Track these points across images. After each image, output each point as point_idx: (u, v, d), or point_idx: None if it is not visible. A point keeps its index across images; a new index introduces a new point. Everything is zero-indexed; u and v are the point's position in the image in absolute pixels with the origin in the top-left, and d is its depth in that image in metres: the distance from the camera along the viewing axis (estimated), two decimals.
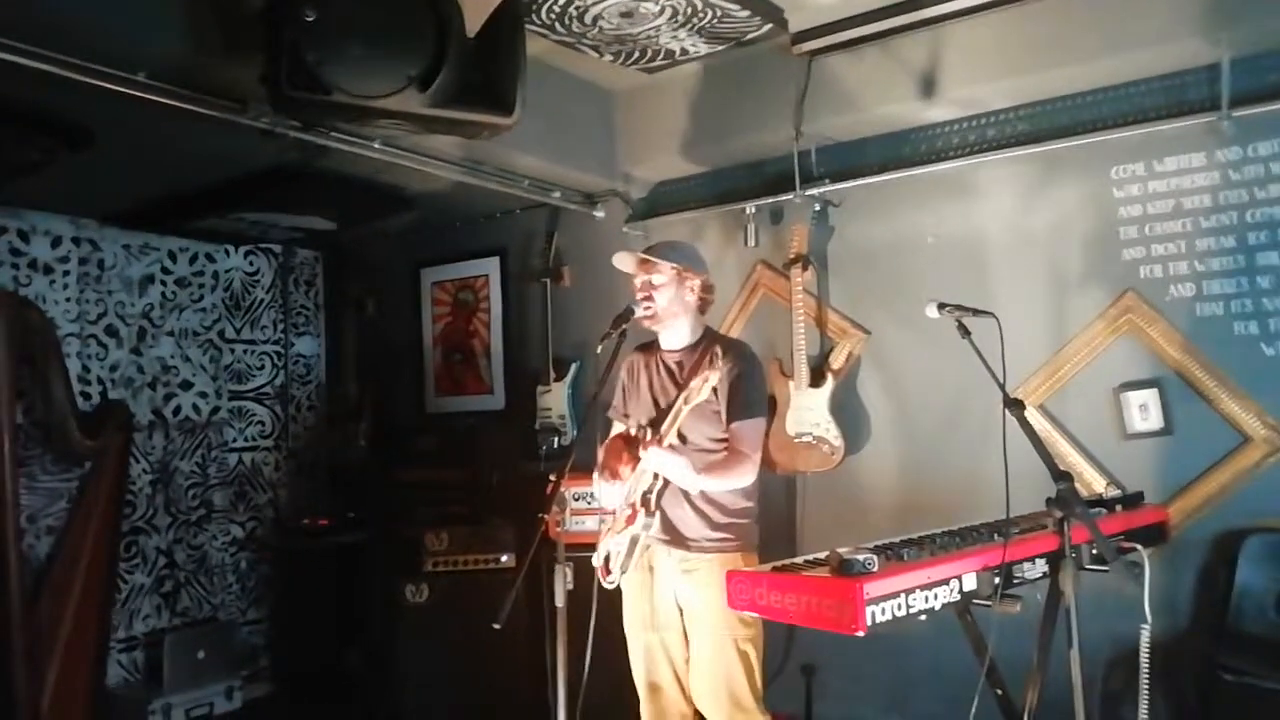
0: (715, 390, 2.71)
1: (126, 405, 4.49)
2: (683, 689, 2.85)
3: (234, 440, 5.14)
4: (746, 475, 2.73)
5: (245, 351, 5.24)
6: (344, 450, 5.28)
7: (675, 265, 2.81)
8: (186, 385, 4.93)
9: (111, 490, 4.24)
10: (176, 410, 4.87)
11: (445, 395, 5.27)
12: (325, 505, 5.22)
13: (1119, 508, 2.63)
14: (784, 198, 4.04)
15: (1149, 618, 2.21)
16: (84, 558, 4.08)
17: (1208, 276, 3.32)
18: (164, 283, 4.85)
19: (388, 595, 3.90)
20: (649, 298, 2.80)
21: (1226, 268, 3.29)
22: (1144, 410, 3.40)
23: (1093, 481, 3.39)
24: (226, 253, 5.16)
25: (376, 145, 3.56)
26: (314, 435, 5.51)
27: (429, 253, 5.36)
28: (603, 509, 2.89)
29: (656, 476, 2.67)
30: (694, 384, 2.51)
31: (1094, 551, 2.27)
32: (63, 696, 3.85)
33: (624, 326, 2.77)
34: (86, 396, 4.44)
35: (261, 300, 5.33)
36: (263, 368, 5.31)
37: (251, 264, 5.29)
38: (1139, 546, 2.26)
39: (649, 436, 2.70)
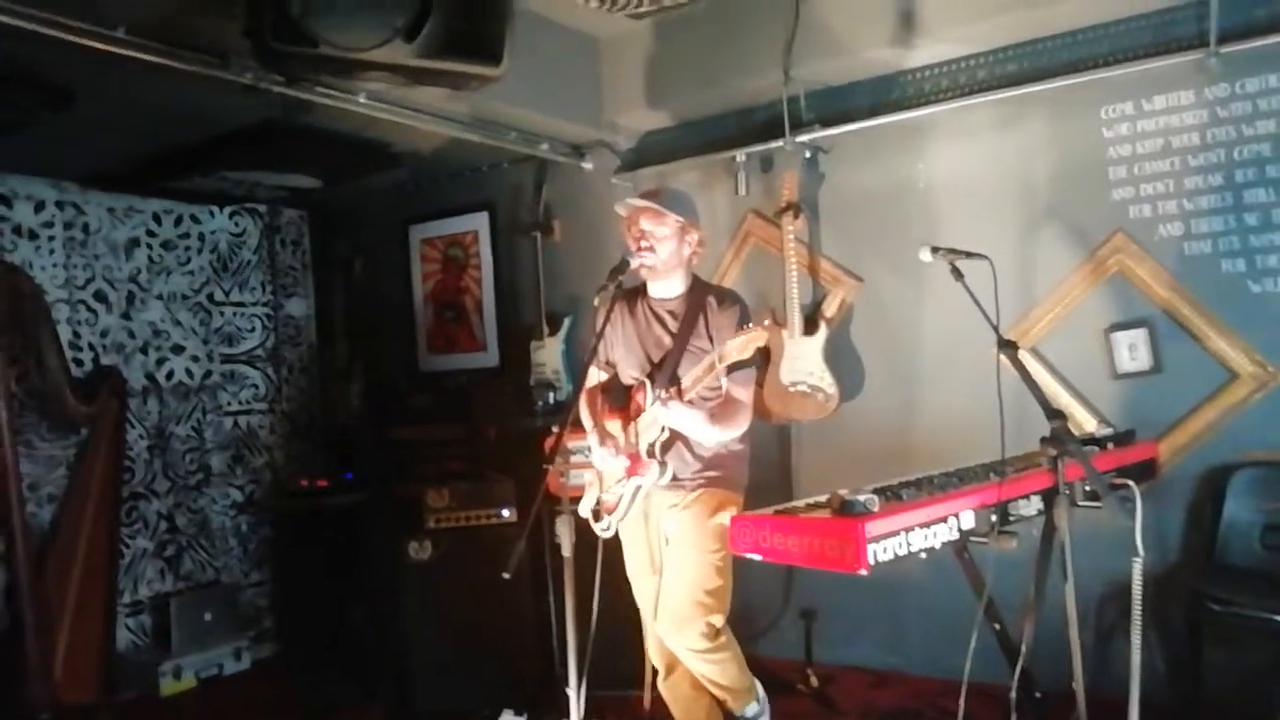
0: (713, 340, 2.73)
1: (120, 371, 4.47)
2: None
3: (228, 404, 5.14)
4: (744, 421, 2.79)
5: (235, 314, 5.21)
6: (337, 411, 5.30)
7: (680, 219, 2.80)
8: (178, 349, 4.91)
9: (110, 456, 4.24)
10: (169, 375, 4.86)
11: (438, 353, 5.27)
12: (322, 467, 5.25)
13: (1111, 445, 2.68)
14: (774, 145, 4.02)
15: (1141, 551, 2.25)
16: (86, 524, 4.10)
17: (1196, 215, 3.34)
18: (150, 246, 4.80)
19: (390, 553, 3.92)
20: (650, 249, 2.77)
21: (1214, 206, 3.31)
22: (1133, 350, 3.45)
23: (1084, 421, 3.44)
24: (211, 214, 5.10)
25: (362, 99, 3.52)
26: (308, 397, 5.52)
27: (417, 209, 5.32)
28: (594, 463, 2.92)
29: (664, 429, 2.70)
30: (732, 346, 2.50)
31: (1087, 488, 2.32)
32: (75, 661, 3.89)
33: (620, 278, 2.76)
34: (79, 363, 4.41)
35: (249, 261, 5.29)
36: (253, 330, 5.29)
37: (237, 225, 5.24)
38: (1131, 483, 2.29)
39: (658, 390, 2.71)
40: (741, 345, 2.50)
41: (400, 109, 3.71)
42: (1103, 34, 3.44)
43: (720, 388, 2.78)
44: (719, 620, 2.81)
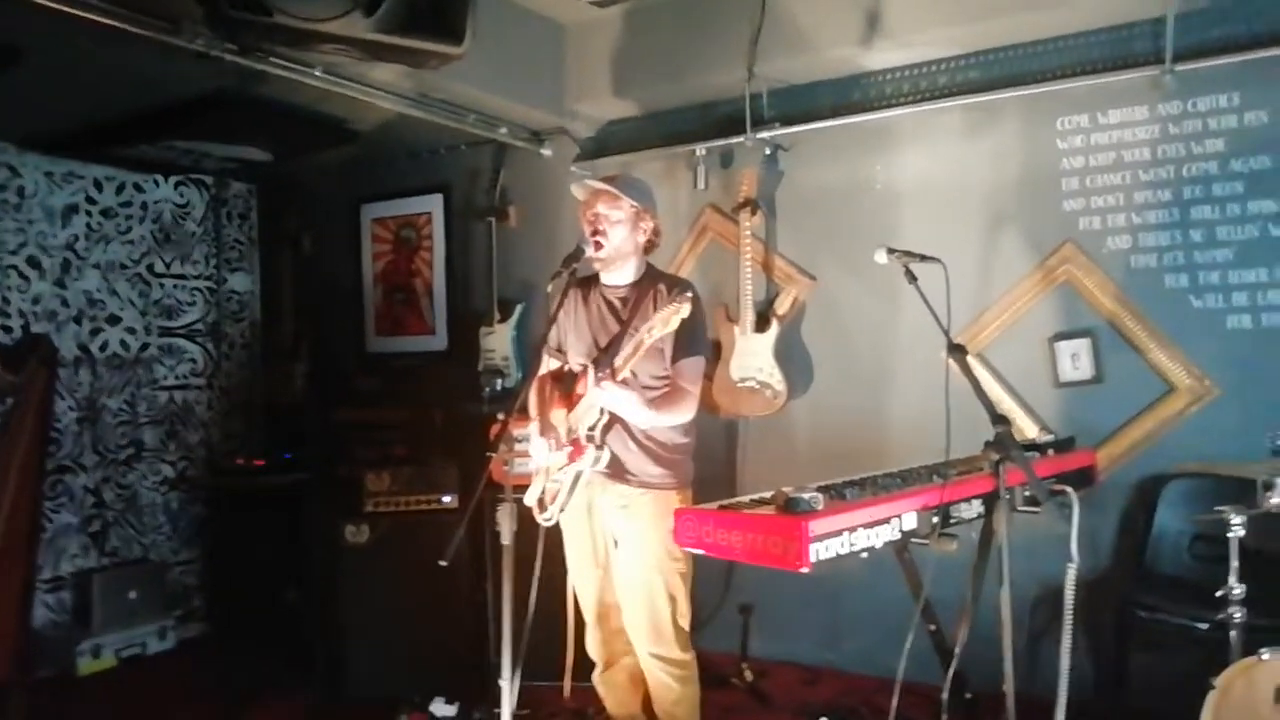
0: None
1: (50, 339, 4.29)
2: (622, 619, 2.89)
3: (164, 378, 4.99)
4: (688, 411, 2.76)
5: (176, 286, 5.07)
6: (280, 390, 5.18)
7: (635, 204, 2.77)
8: (114, 320, 4.76)
9: (35, 427, 4.05)
10: (104, 346, 4.71)
11: (386, 335, 5.18)
12: (260, 445, 5.14)
13: (1051, 452, 2.71)
14: (735, 140, 4.01)
15: (1076, 557, 2.29)
16: (6, 496, 3.94)
17: (1143, 229, 3.41)
18: (89, 213, 4.64)
19: (327, 536, 3.85)
20: (602, 233, 2.74)
21: (1161, 221, 3.38)
22: (1075, 359, 3.51)
23: (1025, 428, 3.49)
24: (156, 183, 4.95)
25: (318, 73, 3.43)
26: (248, 374, 5.39)
27: (369, 188, 5.22)
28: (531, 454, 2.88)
29: (602, 413, 2.66)
30: (658, 318, 2.47)
31: (1027, 494, 2.35)
32: None
33: (574, 266, 2.73)
34: (7, 330, 4.26)
35: (193, 233, 5.15)
36: (194, 303, 5.15)
37: (182, 195, 5.09)
38: (1069, 489, 2.32)
39: (598, 372, 2.68)
40: (665, 317, 2.46)
41: (357, 85, 3.63)
42: (1062, 46, 3.49)
43: (667, 376, 2.75)
44: (686, 622, 2.83)
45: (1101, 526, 3.43)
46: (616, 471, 2.74)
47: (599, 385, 2.58)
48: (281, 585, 4.41)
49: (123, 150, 4.41)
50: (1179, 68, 3.20)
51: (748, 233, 3.96)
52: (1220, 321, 3.27)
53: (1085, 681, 3.27)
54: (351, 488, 3.87)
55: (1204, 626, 2.73)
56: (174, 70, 3.29)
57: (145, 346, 4.90)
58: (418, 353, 5.02)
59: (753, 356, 3.93)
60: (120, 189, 4.79)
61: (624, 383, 2.62)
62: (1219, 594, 2.47)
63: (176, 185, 5.05)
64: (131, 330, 4.84)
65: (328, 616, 3.88)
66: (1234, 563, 2.47)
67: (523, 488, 2.78)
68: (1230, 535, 2.46)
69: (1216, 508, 2.49)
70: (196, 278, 5.17)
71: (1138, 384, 3.39)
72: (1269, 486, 2.38)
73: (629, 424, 2.73)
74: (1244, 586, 2.45)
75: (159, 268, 4.97)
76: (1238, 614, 2.45)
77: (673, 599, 2.79)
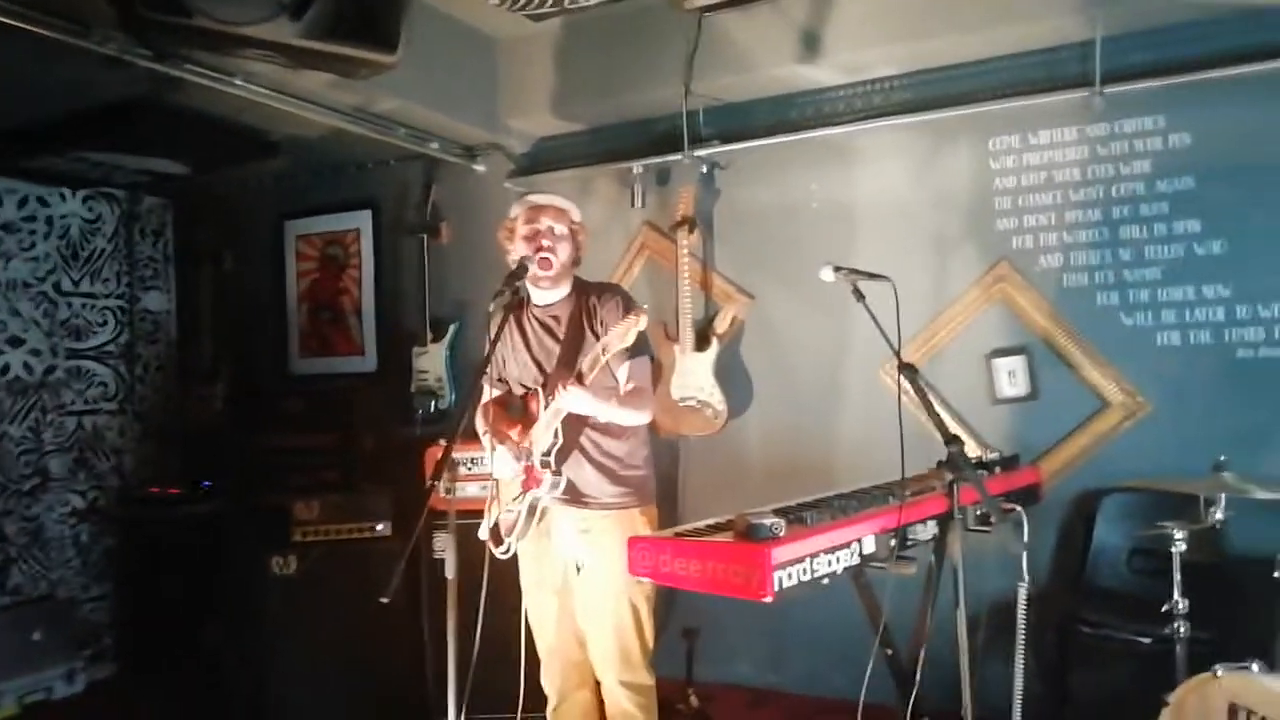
0: (599, 336, 2.63)
1: None
2: (583, 650, 2.79)
3: (72, 402, 4.71)
4: (648, 409, 2.74)
5: (84, 306, 4.80)
6: (198, 414, 4.94)
7: (576, 219, 2.71)
8: (16, 341, 4.48)
9: None
10: (5, 369, 4.42)
11: (311, 356, 4.99)
12: (177, 473, 4.88)
13: (998, 470, 2.72)
14: (672, 158, 3.98)
15: (1026, 576, 2.29)
16: None
17: (1075, 248, 3.47)
18: None
19: (251, 568, 3.66)
20: (550, 250, 2.65)
21: (1092, 240, 3.45)
22: (1012, 376, 3.55)
23: (966, 445, 3.50)
24: (62, 197, 4.69)
25: (239, 81, 3.29)
26: (164, 398, 5.13)
27: (294, 204, 5.03)
28: (487, 476, 2.77)
29: (557, 435, 2.57)
30: (614, 334, 2.41)
31: (978, 513, 2.33)
32: None
33: (517, 284, 2.63)
34: None
35: (103, 250, 4.88)
36: (105, 324, 4.89)
37: (91, 210, 4.83)
38: (1019, 507, 2.32)
39: (546, 394, 2.59)
40: (622, 333, 2.41)
41: (280, 94, 3.49)
42: (994, 68, 3.54)
43: (617, 387, 2.68)
44: (651, 645, 2.77)
45: (1039, 543, 3.44)
46: (574, 496, 2.66)
47: (564, 389, 2.48)
48: (200, 621, 4.18)
49: (25, 162, 4.16)
50: (1108, 90, 3.27)
51: (685, 251, 3.93)
52: (1150, 339, 3.34)
53: (1029, 698, 3.27)
54: (278, 517, 3.69)
55: (1147, 641, 2.75)
56: (83, 76, 3.11)
57: (51, 370, 4.62)
58: (346, 374, 4.84)
59: (693, 375, 3.89)
60: (23, 202, 4.51)
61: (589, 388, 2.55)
62: (1164, 609, 2.49)
63: (85, 200, 4.79)
64: (36, 352, 4.56)
65: (252, 654, 3.69)
66: (1177, 577, 2.50)
67: (466, 513, 2.65)
68: (1173, 550, 2.49)
69: (1159, 523, 2.52)
70: (107, 296, 4.91)
71: (1072, 400, 3.45)
72: (1211, 502, 2.42)
73: (583, 444, 2.65)
74: (1188, 602, 2.48)
75: (66, 286, 4.70)
76: (1183, 629, 2.48)
77: (640, 622, 2.71)
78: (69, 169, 4.33)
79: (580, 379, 2.49)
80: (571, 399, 2.50)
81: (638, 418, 2.71)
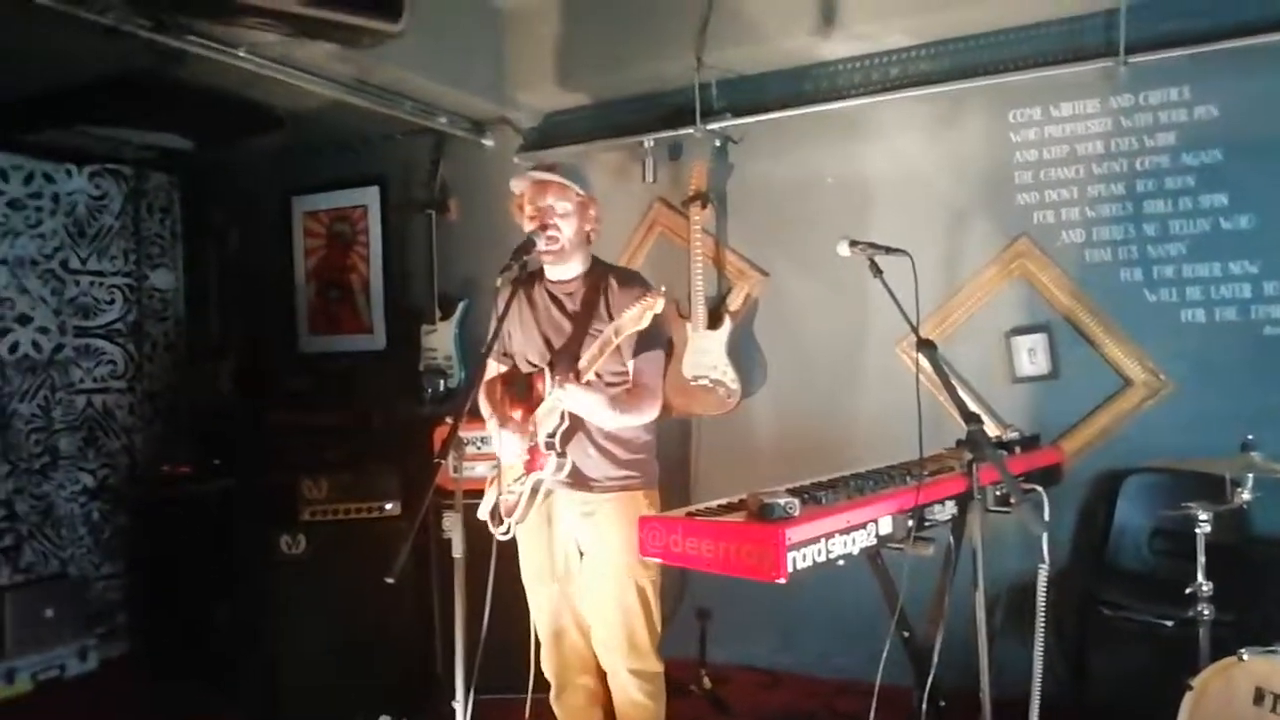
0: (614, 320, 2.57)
1: None
2: (585, 636, 2.74)
3: (81, 381, 4.69)
4: (652, 409, 2.62)
5: (92, 284, 4.76)
6: (207, 392, 4.92)
7: (581, 193, 2.62)
8: (25, 320, 4.45)
9: None
10: (14, 348, 4.40)
11: (320, 334, 4.95)
12: (186, 451, 4.85)
13: (1018, 450, 2.65)
14: (684, 132, 3.90)
15: (1047, 558, 2.23)
16: None
17: (1097, 223, 3.39)
18: None
19: (260, 546, 3.64)
20: (554, 227, 2.58)
21: (1115, 215, 3.36)
22: (1032, 354, 3.48)
23: (986, 425, 3.44)
24: (69, 173, 4.64)
25: (242, 52, 3.22)
26: (173, 376, 5.11)
27: (301, 180, 4.98)
28: (494, 455, 2.71)
29: (563, 418, 2.52)
30: (628, 317, 2.32)
31: (999, 493, 2.27)
32: None
33: (525, 259, 2.57)
34: None
35: (110, 227, 4.84)
36: (113, 302, 4.86)
37: (98, 187, 4.78)
38: (1039, 488, 2.26)
39: (552, 376, 2.53)
40: (637, 315, 2.31)
41: (285, 66, 3.42)
42: (1015, 38, 3.44)
43: (627, 372, 2.61)
44: (658, 630, 2.70)
45: (1060, 523, 3.38)
46: (578, 480, 2.60)
47: (561, 387, 2.43)
48: (211, 600, 4.17)
49: (29, 136, 4.11)
50: (1131, 60, 3.17)
51: (698, 227, 3.86)
52: (1175, 316, 3.26)
53: (1048, 679, 3.23)
54: (286, 495, 3.67)
55: (1169, 623, 2.70)
56: (82, 47, 3.04)
57: (60, 348, 4.60)
58: (354, 352, 4.80)
59: (705, 354, 3.83)
60: (29, 179, 4.47)
61: (588, 384, 2.48)
62: (1188, 591, 2.43)
63: (91, 176, 4.74)
64: (44, 330, 4.53)
65: (261, 633, 3.67)
66: (1201, 559, 2.44)
67: (474, 492, 2.61)
68: (1198, 531, 2.43)
69: (1184, 503, 2.46)
70: (115, 274, 4.87)
71: (1094, 379, 3.38)
72: (1238, 483, 2.35)
73: (588, 427, 2.58)
74: (1211, 584, 2.42)
75: (74, 264, 4.67)
76: (1206, 611, 2.42)
77: (647, 607, 2.65)
78: (74, 144, 4.27)
79: (578, 375, 2.44)
80: (568, 398, 2.45)
81: (633, 420, 2.59)
